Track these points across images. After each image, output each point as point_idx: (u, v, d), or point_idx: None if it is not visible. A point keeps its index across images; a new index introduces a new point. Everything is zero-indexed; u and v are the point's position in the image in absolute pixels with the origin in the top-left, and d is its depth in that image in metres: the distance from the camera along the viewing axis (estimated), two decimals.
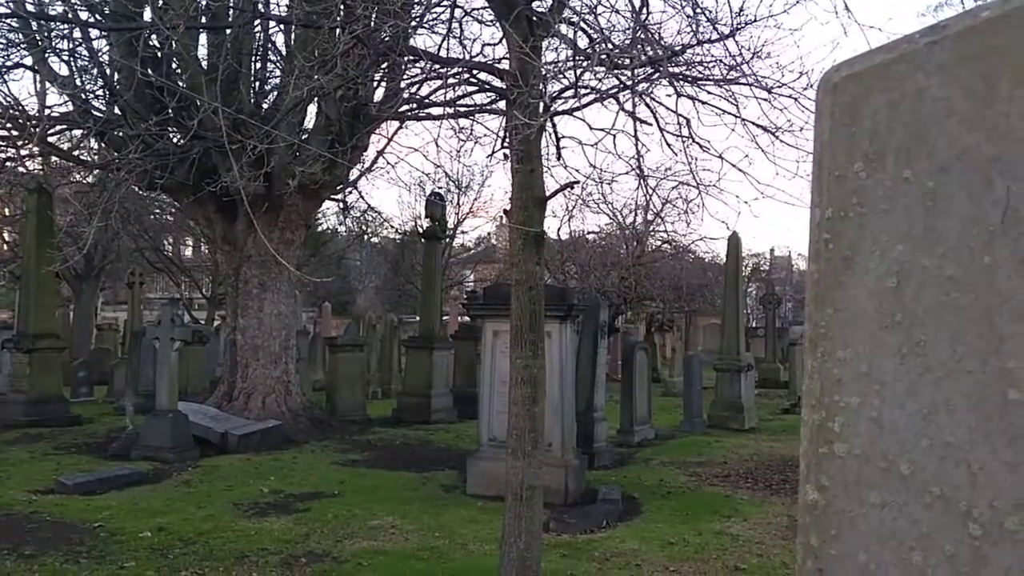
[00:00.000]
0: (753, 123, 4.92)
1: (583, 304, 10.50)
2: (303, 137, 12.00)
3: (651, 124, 4.29)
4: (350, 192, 14.95)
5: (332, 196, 14.19)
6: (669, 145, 4.53)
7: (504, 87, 4.23)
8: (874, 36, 15.69)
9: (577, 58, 4.06)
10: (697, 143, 4.68)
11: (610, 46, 3.95)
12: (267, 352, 12.08)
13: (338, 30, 4.19)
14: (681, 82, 4.48)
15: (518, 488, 4.58)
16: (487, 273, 32.42)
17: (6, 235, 27.39)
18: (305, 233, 13.65)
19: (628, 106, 4.20)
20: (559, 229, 23.04)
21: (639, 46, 3.91)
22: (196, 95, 7.54)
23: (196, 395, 12.59)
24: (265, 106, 12.12)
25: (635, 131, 4.13)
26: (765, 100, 4.86)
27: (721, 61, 4.88)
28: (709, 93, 4.78)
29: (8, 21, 10.85)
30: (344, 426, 12.61)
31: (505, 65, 4.51)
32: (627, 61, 3.82)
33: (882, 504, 1.27)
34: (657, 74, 4.01)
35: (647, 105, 4.33)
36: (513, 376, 4.62)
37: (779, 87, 4.83)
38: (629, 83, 4.05)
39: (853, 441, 1.31)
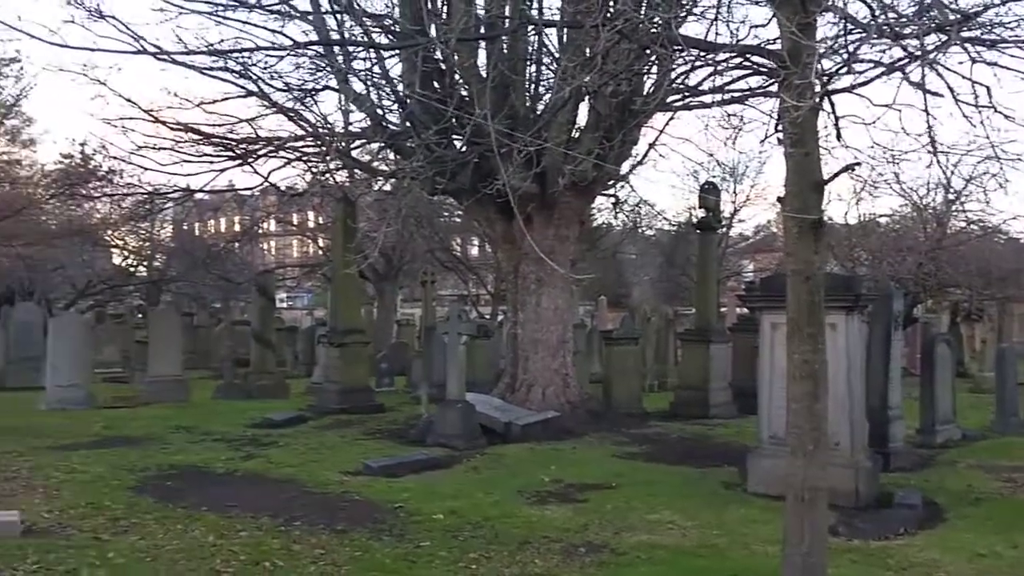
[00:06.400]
0: None
1: (873, 293, 9.79)
2: (575, 135, 12.25)
3: (942, 96, 3.88)
4: (622, 186, 15.05)
5: (604, 191, 14.36)
6: (966, 117, 4.07)
7: (775, 68, 4.03)
8: None
9: (854, 31, 3.78)
10: (1001, 113, 4.16)
11: (892, 16, 3.63)
12: (545, 345, 12.47)
13: (602, 27, 4.22)
14: (977, 47, 4.01)
15: (799, 489, 4.36)
16: (767, 262, 31.21)
17: (320, 241, 30.61)
18: (580, 229, 13.92)
19: (914, 77, 3.83)
20: (846, 213, 21.66)
21: (926, 12, 3.55)
22: (472, 103, 7.96)
23: (482, 386, 13.28)
24: (540, 108, 12.51)
25: (925, 105, 3.76)
26: None
27: None
28: (1012, 57, 4.24)
29: (316, 49, 12.08)
30: (621, 419, 12.72)
31: (776, 46, 4.30)
32: (910, 30, 3.49)
33: None
34: (948, 41, 3.62)
35: (939, 74, 3.92)
36: (791, 371, 4.40)
37: None
38: (916, 53, 3.70)
39: None
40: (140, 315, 28.87)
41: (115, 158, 15.45)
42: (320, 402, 14.01)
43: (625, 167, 13.31)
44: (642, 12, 4.39)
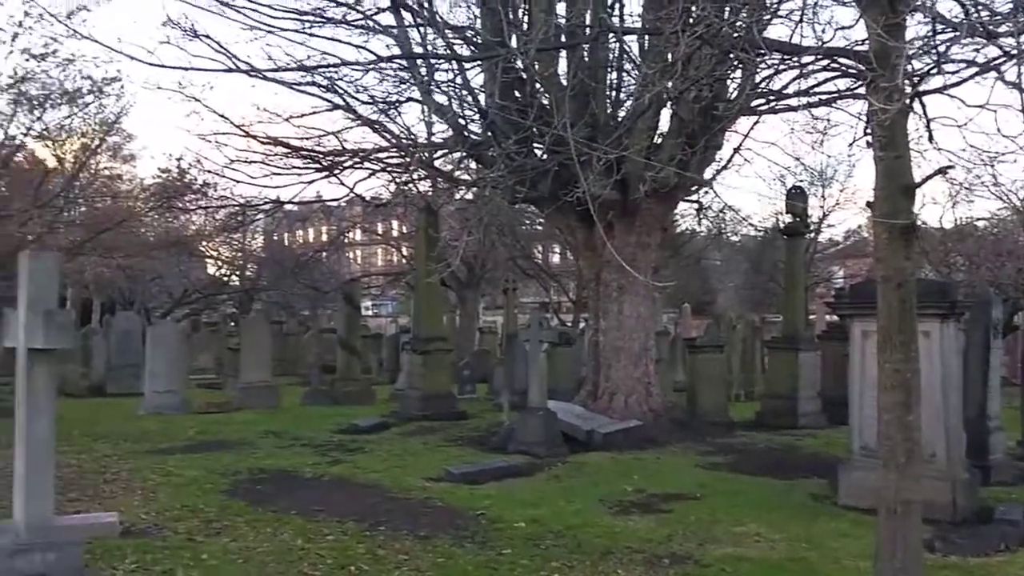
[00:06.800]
0: None
1: (970, 300, 9.42)
2: (657, 141, 12.16)
3: None
4: (705, 192, 14.86)
5: (687, 197, 14.20)
6: None
7: (862, 70, 3.92)
8: None
9: (944, 30, 3.65)
10: None
11: (986, 14, 3.49)
12: (628, 353, 12.38)
13: (682, 33, 4.18)
14: None
15: (892, 502, 4.22)
16: (857, 268, 30.32)
17: (404, 250, 31.10)
18: (662, 235, 13.80)
19: (1010, 76, 3.67)
20: (941, 217, 20.90)
21: (1022, 9, 3.40)
22: (553, 111, 7.97)
23: (563, 394, 13.26)
24: (621, 114, 12.46)
25: (1022, 105, 3.60)
26: None
27: None
28: None
29: (399, 62, 12.31)
30: (705, 428, 12.52)
31: (863, 47, 4.18)
32: (1005, 27, 3.35)
33: None
34: None
35: None
36: (882, 381, 4.27)
37: None
38: (1012, 52, 3.55)
39: None
40: (232, 323, 29.82)
41: (209, 172, 16.08)
42: (403, 408, 14.20)
43: (708, 172, 13.14)
44: (724, 17, 4.33)
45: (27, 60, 16.12)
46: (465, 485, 8.59)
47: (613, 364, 12.42)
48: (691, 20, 4.41)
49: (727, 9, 4.13)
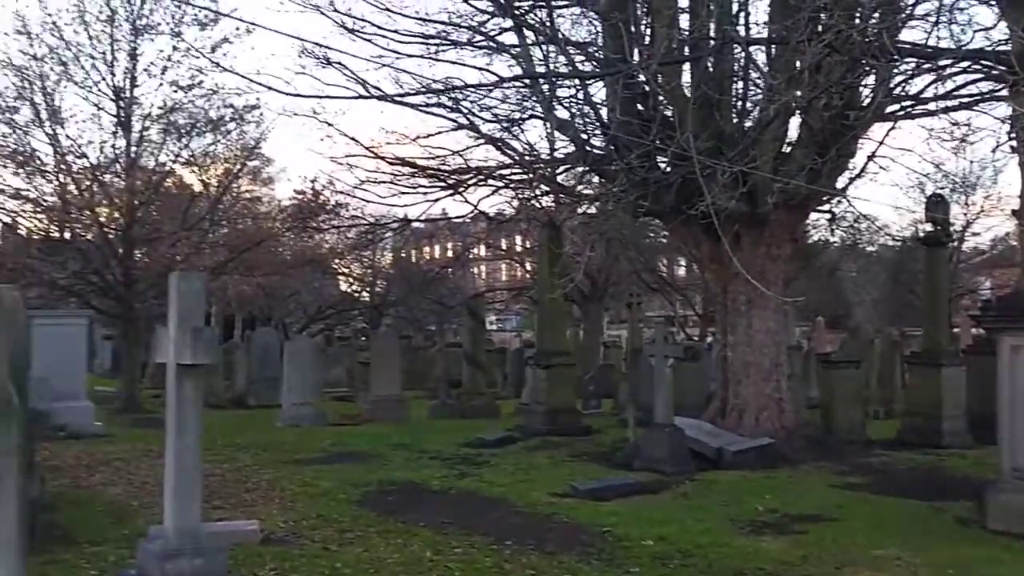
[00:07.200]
0: None
1: None
2: (786, 150, 11.83)
3: None
4: (838, 201, 14.33)
5: (818, 207, 13.73)
6: None
7: (1004, 72, 3.72)
8: None
9: None
10: None
11: None
12: (758, 368, 12.06)
13: (809, 42, 4.06)
14: None
15: None
16: (1005, 278, 28.49)
17: (527, 265, 31.34)
18: (792, 247, 13.39)
19: None
20: None
21: None
22: (676, 124, 7.89)
23: (690, 410, 13.01)
24: (747, 124, 12.20)
25: None
26: None
27: None
28: None
29: (523, 81, 12.48)
30: (841, 447, 12.02)
31: (1006, 48, 3.97)
32: None
33: None
34: None
35: None
36: None
37: None
38: None
39: None
40: (363, 338, 30.77)
41: (341, 192, 16.80)
42: (528, 423, 14.27)
43: (841, 181, 12.68)
44: (854, 22, 4.19)
45: (175, 92, 17.32)
46: (590, 501, 8.55)
47: (742, 380, 12.12)
48: (819, 28, 4.29)
49: (857, 15, 3.99)
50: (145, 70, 17.20)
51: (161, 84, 17.23)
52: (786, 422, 12.02)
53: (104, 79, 17.03)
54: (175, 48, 17.05)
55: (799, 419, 12.63)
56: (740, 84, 12.31)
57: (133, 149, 17.52)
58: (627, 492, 9.02)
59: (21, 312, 7.29)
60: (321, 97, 9.77)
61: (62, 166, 17.05)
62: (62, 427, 12.08)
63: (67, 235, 18.31)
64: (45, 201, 17.59)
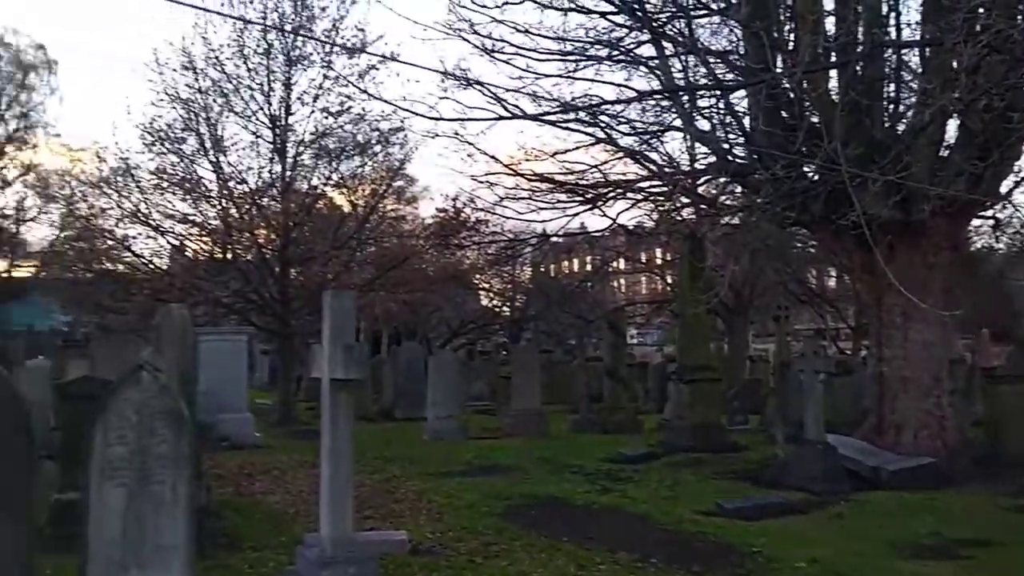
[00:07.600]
0: None
1: None
2: (943, 155, 11.21)
3: None
4: (1003, 206, 13.43)
5: (981, 213, 12.91)
6: None
7: None
8: None
9: None
10: None
11: None
12: (915, 384, 11.43)
13: (964, 44, 3.85)
14: None
15: None
16: None
17: (668, 277, 30.94)
18: (952, 255, 12.64)
19: None
20: None
21: None
22: (823, 131, 7.62)
23: (843, 427, 12.48)
24: (900, 128, 11.65)
25: None
26: None
27: None
28: None
29: (662, 95, 12.39)
30: (1011, 467, 11.20)
31: None
32: None
33: None
34: None
35: None
36: None
37: None
38: None
39: None
40: (504, 352, 31.14)
41: (481, 210, 17.11)
42: (671, 439, 14.03)
43: (1005, 186, 11.89)
44: (1016, 21, 3.94)
45: (326, 118, 18.17)
46: (738, 520, 8.33)
47: (899, 396, 11.52)
48: (977, 27, 4.06)
49: (1019, 14, 3.75)
50: (298, 98, 18.17)
51: (313, 111, 18.16)
52: (948, 440, 11.34)
53: (262, 108, 18.08)
54: (326, 76, 17.91)
55: (962, 437, 11.89)
56: (892, 88, 11.78)
57: (288, 173, 18.49)
58: (776, 512, 8.74)
59: (190, 330, 7.83)
60: (463, 120, 10.00)
61: (224, 191, 18.18)
62: (225, 438, 12.82)
63: (229, 256, 19.47)
64: (209, 224, 18.81)
